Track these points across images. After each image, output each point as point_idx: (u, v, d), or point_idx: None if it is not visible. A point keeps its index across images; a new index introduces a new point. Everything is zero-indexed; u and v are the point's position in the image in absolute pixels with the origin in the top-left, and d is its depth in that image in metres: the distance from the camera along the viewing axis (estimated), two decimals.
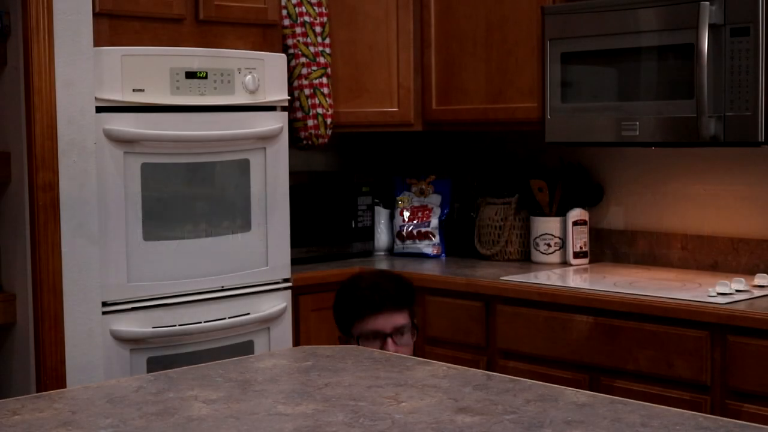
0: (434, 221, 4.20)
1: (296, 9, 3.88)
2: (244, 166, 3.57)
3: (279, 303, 3.65)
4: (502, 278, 3.53)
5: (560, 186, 3.93)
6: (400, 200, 4.34)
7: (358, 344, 2.63)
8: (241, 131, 3.53)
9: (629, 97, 3.40)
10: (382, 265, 4.03)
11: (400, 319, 2.69)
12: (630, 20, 3.36)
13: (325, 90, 3.92)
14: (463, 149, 4.42)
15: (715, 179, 3.65)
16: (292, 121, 3.85)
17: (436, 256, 4.18)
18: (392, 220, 4.35)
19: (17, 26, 3.17)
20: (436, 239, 4.19)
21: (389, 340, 2.66)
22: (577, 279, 3.61)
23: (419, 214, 4.27)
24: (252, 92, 3.55)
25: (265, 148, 3.57)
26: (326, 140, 3.98)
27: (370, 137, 4.60)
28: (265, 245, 3.58)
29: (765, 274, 3.29)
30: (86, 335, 3.23)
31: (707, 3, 3.11)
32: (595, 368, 3.23)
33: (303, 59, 3.89)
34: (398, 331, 2.68)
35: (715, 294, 3.09)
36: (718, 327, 2.96)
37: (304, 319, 3.73)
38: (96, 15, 3.28)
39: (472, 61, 3.92)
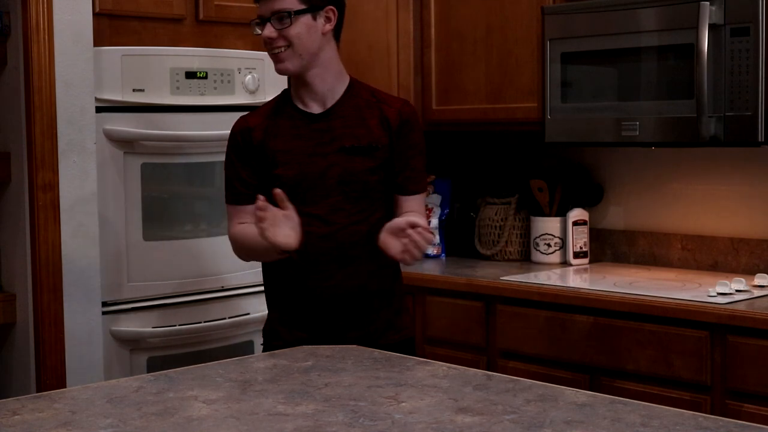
0: (434, 221, 4.20)
1: None
2: None
3: None
4: (502, 278, 3.53)
5: (560, 186, 3.93)
6: None
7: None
8: None
9: (629, 97, 3.40)
10: None
11: (284, 3, 2.56)
12: (630, 20, 3.36)
13: None
14: (463, 149, 4.42)
15: (715, 179, 3.65)
16: None
17: (436, 256, 4.18)
18: None
19: (17, 26, 3.17)
20: (436, 239, 4.19)
21: (267, 25, 2.57)
22: (577, 279, 3.61)
23: None
24: (252, 92, 3.55)
25: None
26: None
27: None
28: None
29: (765, 274, 3.29)
30: (86, 335, 3.23)
31: (707, 3, 3.11)
32: (595, 368, 3.23)
33: None
34: (276, 15, 2.57)
35: (715, 294, 3.09)
36: (718, 327, 2.96)
37: None
38: (96, 15, 3.28)
39: (472, 61, 3.92)
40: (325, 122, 2.64)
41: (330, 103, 2.66)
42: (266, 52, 2.66)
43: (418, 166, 2.70)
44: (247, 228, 2.62)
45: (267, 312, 2.77)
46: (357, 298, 2.64)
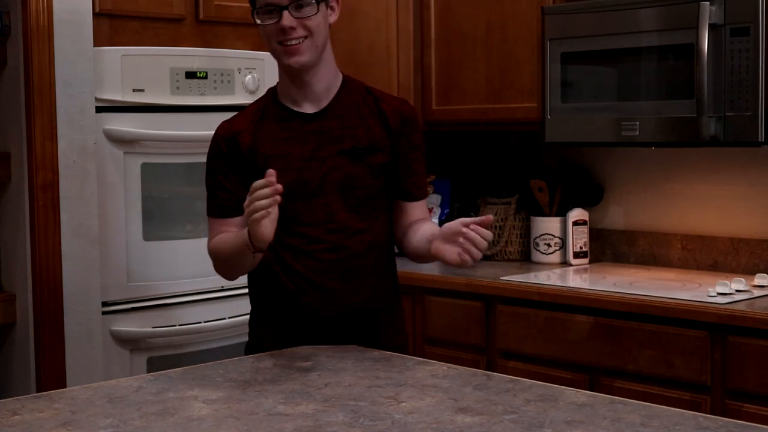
0: (434, 221, 4.20)
1: None
2: None
3: None
4: (502, 278, 3.53)
5: (560, 186, 3.93)
6: None
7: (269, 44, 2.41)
8: None
9: (629, 97, 3.40)
10: None
11: None
12: (630, 20, 3.36)
13: None
14: (463, 149, 4.42)
15: (715, 179, 3.65)
16: None
17: None
18: None
19: (17, 26, 3.17)
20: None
21: (285, 13, 2.34)
22: (577, 279, 3.61)
23: None
24: (252, 92, 3.55)
25: None
26: None
27: None
28: None
29: (765, 274, 3.29)
30: (86, 335, 3.23)
31: (707, 3, 3.11)
32: (595, 368, 3.23)
33: None
34: (296, 3, 2.34)
35: (715, 294, 3.09)
36: (718, 327, 2.95)
37: None
38: (96, 15, 3.29)
39: (472, 61, 3.92)
40: (321, 123, 2.44)
41: (325, 102, 2.45)
42: (267, 51, 2.49)
43: (420, 170, 2.53)
44: (223, 235, 2.39)
45: (249, 331, 2.57)
46: (360, 316, 2.46)
